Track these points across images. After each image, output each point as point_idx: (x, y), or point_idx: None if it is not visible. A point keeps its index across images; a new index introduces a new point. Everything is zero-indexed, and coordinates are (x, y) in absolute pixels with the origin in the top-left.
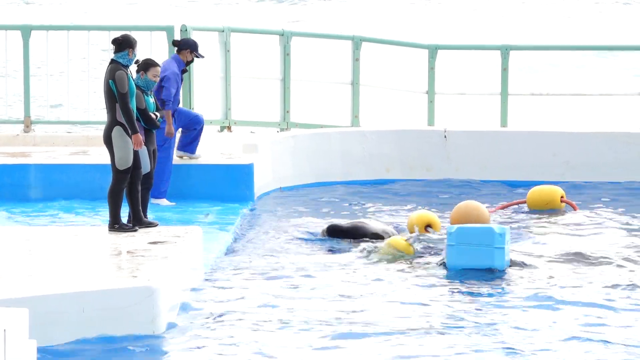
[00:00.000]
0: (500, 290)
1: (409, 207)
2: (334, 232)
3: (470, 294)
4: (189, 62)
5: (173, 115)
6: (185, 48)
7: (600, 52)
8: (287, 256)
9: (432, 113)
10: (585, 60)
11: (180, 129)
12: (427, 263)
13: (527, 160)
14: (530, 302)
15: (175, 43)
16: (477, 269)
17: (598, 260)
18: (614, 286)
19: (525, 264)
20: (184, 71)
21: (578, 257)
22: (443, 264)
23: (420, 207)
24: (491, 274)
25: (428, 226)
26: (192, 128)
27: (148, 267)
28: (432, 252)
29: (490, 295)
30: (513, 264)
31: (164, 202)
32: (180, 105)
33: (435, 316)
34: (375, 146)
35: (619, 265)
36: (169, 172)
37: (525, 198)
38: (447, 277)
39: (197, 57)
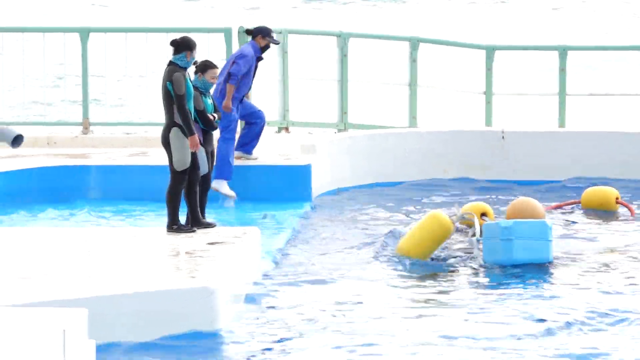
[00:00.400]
0: (553, 287)
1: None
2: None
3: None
4: (263, 49)
5: (240, 102)
6: (257, 34)
7: None
8: (344, 259)
9: (490, 114)
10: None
11: (242, 125)
12: (470, 261)
13: (585, 160)
14: (584, 304)
15: (248, 32)
16: (519, 266)
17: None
18: None
19: (573, 263)
20: (259, 59)
21: (626, 260)
22: (479, 261)
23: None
24: (539, 271)
25: (483, 215)
26: (253, 122)
27: (206, 268)
28: (465, 248)
29: (550, 296)
30: (557, 262)
31: (224, 186)
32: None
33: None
34: (432, 147)
35: None
36: (232, 154)
37: (580, 198)
38: (502, 275)
39: (271, 42)
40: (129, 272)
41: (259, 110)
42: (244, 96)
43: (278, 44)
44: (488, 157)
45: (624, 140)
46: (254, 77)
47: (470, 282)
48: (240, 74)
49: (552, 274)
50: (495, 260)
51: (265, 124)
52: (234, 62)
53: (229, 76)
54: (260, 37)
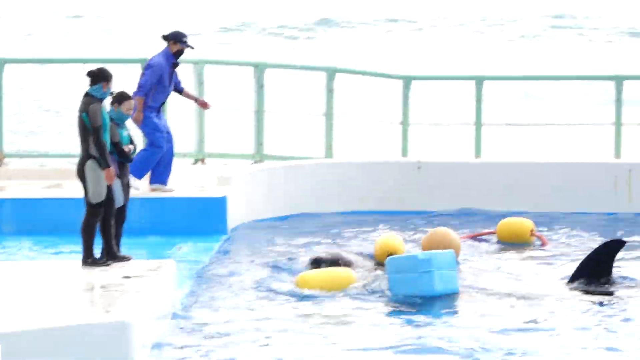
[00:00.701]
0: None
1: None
2: (318, 264)
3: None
4: (177, 54)
5: (158, 111)
6: (171, 39)
7: (574, 81)
8: (258, 293)
9: (406, 144)
10: (559, 90)
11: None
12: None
13: (500, 190)
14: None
15: (164, 37)
16: (425, 297)
17: (541, 296)
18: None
19: (478, 295)
20: (175, 65)
21: (532, 294)
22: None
23: (387, 230)
24: (445, 302)
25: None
26: (157, 144)
27: (122, 302)
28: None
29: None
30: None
31: (137, 182)
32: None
33: None
34: (349, 178)
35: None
36: (153, 162)
37: (495, 229)
38: (410, 307)
39: (183, 47)
40: (43, 306)
41: (170, 133)
42: (163, 103)
43: (192, 48)
44: (404, 188)
45: (540, 171)
46: (170, 84)
47: (377, 316)
48: (148, 84)
49: (455, 305)
50: (413, 292)
51: (176, 156)
52: (142, 74)
53: (138, 88)
54: (172, 42)
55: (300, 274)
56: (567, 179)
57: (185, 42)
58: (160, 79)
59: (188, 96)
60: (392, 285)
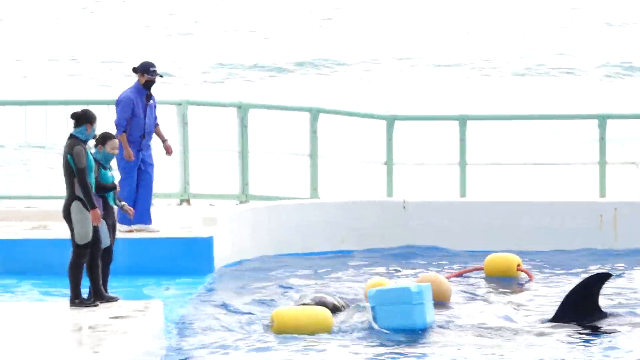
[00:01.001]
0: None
1: (367, 277)
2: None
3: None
4: (147, 85)
5: (141, 146)
6: (139, 71)
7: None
8: (245, 331)
9: (391, 184)
10: (545, 129)
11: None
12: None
13: (485, 229)
14: None
15: (133, 70)
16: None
17: (527, 331)
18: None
19: (453, 329)
20: (147, 97)
21: (512, 328)
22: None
23: (376, 275)
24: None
25: None
26: (127, 177)
27: (110, 343)
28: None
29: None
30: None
31: (123, 227)
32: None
33: None
34: (334, 218)
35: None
36: (132, 200)
37: (482, 265)
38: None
39: (152, 76)
40: (31, 348)
41: (150, 172)
42: (141, 136)
43: (161, 77)
44: (390, 228)
45: (525, 211)
46: (146, 116)
47: (360, 355)
48: (123, 120)
49: (440, 341)
50: (402, 324)
51: (159, 197)
52: (116, 113)
53: (116, 128)
54: (140, 74)
55: (275, 310)
56: (553, 218)
57: (153, 71)
58: (133, 113)
59: (158, 134)
60: (379, 317)
